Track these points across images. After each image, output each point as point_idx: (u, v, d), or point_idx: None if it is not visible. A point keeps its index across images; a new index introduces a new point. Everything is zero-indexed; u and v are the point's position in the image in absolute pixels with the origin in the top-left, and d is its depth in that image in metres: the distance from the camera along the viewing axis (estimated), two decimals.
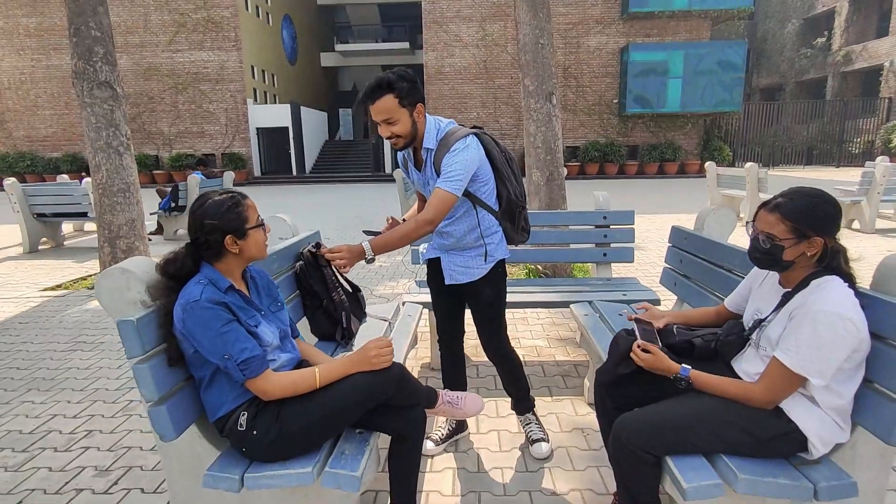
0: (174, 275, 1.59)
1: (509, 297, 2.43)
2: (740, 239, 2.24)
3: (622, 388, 1.80)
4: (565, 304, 3.10)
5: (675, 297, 2.89)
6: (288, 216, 2.76)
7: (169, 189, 8.47)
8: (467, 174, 1.96)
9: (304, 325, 2.40)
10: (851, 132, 22.84)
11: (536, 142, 5.01)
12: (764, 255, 1.55)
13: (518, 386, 2.41)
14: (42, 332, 4.14)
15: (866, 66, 23.78)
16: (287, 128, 22.45)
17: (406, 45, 26.56)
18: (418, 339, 3.42)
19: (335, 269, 2.33)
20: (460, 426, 2.52)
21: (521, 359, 2.41)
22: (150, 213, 7.54)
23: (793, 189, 1.55)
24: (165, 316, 1.54)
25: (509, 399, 2.48)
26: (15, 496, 2.15)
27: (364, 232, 2.11)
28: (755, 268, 1.74)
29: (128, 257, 4.97)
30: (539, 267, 5.15)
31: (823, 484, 1.44)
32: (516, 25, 5.01)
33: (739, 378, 1.63)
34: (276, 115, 22.42)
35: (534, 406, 2.49)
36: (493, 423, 2.64)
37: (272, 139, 22.95)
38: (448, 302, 2.37)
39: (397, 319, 2.80)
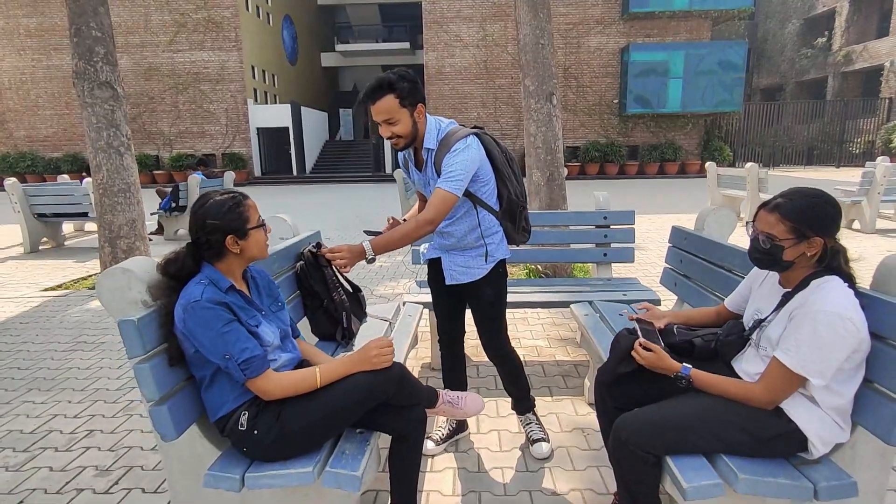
0: (175, 275, 1.59)
1: (510, 297, 2.43)
2: (740, 239, 2.24)
3: (623, 388, 1.80)
4: (566, 304, 3.10)
5: (676, 298, 2.89)
6: (288, 216, 2.76)
7: (168, 189, 8.47)
8: (468, 174, 1.96)
9: (304, 325, 2.40)
10: (852, 132, 22.83)
11: (537, 142, 5.01)
12: (764, 255, 1.55)
13: (518, 386, 2.41)
14: (43, 332, 4.15)
15: (867, 67, 23.77)
16: (287, 128, 22.46)
17: (406, 45, 26.56)
18: (419, 339, 3.42)
19: (336, 269, 2.34)
20: (461, 426, 2.52)
21: (522, 359, 2.41)
22: (151, 214, 7.54)
23: (793, 189, 1.56)
24: (166, 316, 1.55)
25: (510, 399, 2.48)
26: (16, 496, 2.16)
27: (365, 232, 2.11)
28: (755, 268, 1.74)
29: (128, 257, 4.98)
30: (539, 267, 5.15)
31: (823, 484, 1.44)
32: (517, 25, 5.01)
33: (740, 378, 1.63)
34: (277, 115, 22.43)
35: (534, 406, 2.49)
36: (493, 423, 2.64)
37: (272, 139, 22.96)
38: (448, 302, 2.37)
39: (398, 319, 2.80)
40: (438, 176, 1.99)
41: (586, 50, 20.78)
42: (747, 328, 1.70)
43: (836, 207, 1.51)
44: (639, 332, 1.74)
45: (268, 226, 1.74)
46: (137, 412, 2.84)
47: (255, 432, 1.56)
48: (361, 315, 2.51)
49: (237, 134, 21.64)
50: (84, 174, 8.60)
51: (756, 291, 1.75)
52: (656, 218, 9.71)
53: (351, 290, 2.45)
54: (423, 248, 2.47)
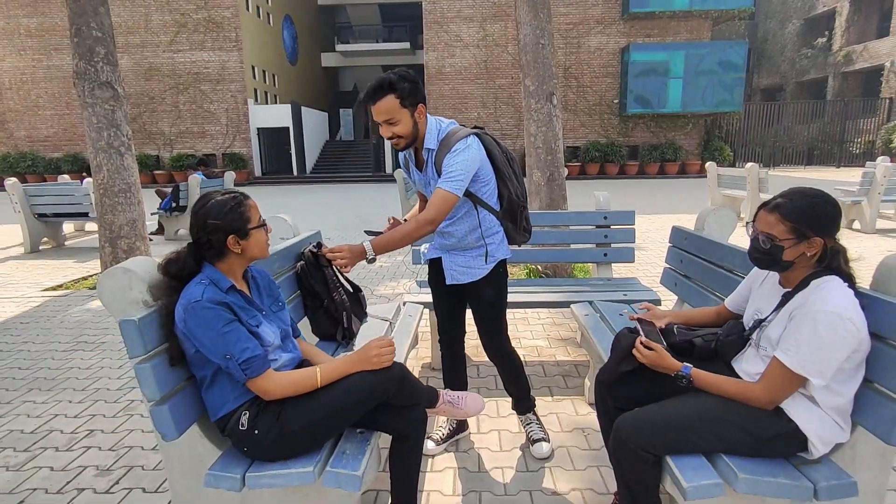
0: (176, 275, 1.59)
1: (510, 297, 2.43)
2: (741, 239, 2.24)
3: (623, 388, 1.80)
4: (566, 304, 3.10)
5: (676, 298, 2.89)
6: (289, 216, 2.76)
7: (167, 190, 8.48)
8: (468, 174, 1.96)
9: (305, 325, 2.40)
10: (852, 132, 22.83)
11: (537, 142, 5.01)
12: (764, 255, 1.56)
13: (519, 386, 2.41)
14: (43, 331, 4.15)
15: (867, 67, 23.77)
16: (288, 128, 22.47)
17: (407, 45, 26.56)
18: (419, 339, 3.42)
19: (336, 269, 2.34)
20: (461, 426, 2.52)
21: (522, 359, 2.41)
22: (151, 214, 7.55)
23: (793, 189, 1.56)
24: (167, 316, 1.55)
25: (510, 399, 2.48)
26: (16, 496, 2.16)
27: (365, 232, 2.11)
28: (755, 268, 1.74)
29: (129, 257, 4.98)
30: (540, 267, 5.15)
31: (823, 484, 1.44)
32: (517, 26, 5.01)
33: (740, 378, 1.63)
34: (277, 115, 22.43)
35: (534, 406, 2.49)
36: (493, 423, 2.65)
37: (273, 139, 22.97)
38: (449, 302, 2.37)
39: (398, 319, 2.80)
40: (439, 176, 1.99)
41: (586, 50, 20.78)
42: (747, 328, 1.70)
43: (836, 207, 1.52)
44: (640, 332, 1.75)
45: (268, 226, 1.74)
46: (138, 412, 2.85)
47: (256, 432, 1.56)
48: (362, 315, 2.51)
49: (237, 134, 21.64)
50: (84, 174, 8.62)
51: (756, 291, 1.75)
52: (656, 218, 9.71)
53: (351, 290, 2.45)
54: (423, 248, 2.47)
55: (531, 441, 2.40)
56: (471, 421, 2.64)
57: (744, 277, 1.93)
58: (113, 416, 2.81)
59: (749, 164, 8.57)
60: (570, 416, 2.71)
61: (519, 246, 2.39)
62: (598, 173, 20.82)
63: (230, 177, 9.28)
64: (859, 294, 1.47)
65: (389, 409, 1.71)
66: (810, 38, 26.99)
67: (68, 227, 9.21)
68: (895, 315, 1.40)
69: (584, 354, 3.42)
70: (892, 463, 1.49)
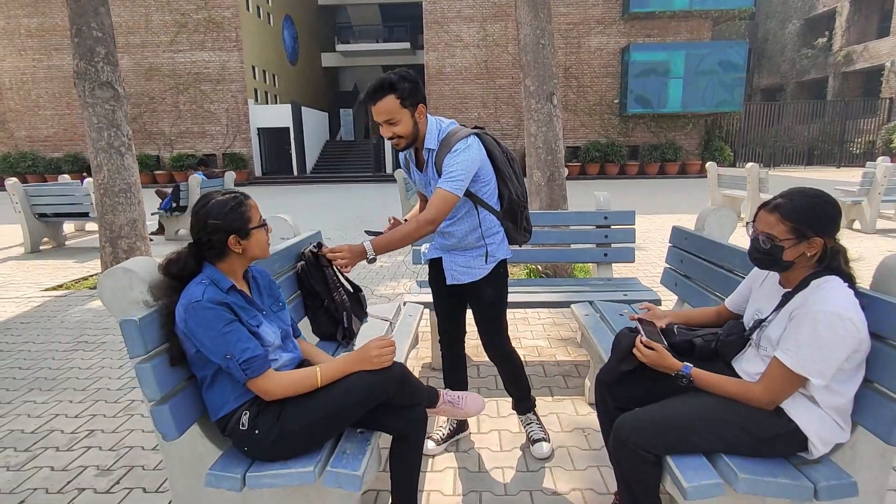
0: (176, 275, 1.59)
1: (510, 297, 2.43)
2: (741, 239, 2.24)
3: (623, 387, 1.80)
4: (566, 304, 3.10)
5: (676, 298, 2.89)
6: (289, 216, 2.76)
7: (167, 190, 8.48)
8: (469, 174, 1.96)
9: (305, 325, 2.41)
10: (852, 132, 22.82)
11: (537, 142, 5.01)
12: (764, 255, 1.56)
13: (519, 386, 2.41)
14: (44, 331, 4.15)
15: (867, 67, 23.76)
16: (288, 128, 22.47)
17: (407, 45, 26.56)
18: (419, 339, 3.42)
19: (336, 269, 2.34)
20: (461, 426, 2.52)
21: (522, 359, 2.41)
22: (152, 214, 7.55)
23: (793, 189, 1.56)
24: (167, 316, 1.55)
25: (510, 399, 2.49)
26: (17, 495, 2.16)
27: (366, 232, 2.11)
28: (756, 268, 1.74)
29: (129, 257, 4.97)
30: (540, 267, 5.15)
31: (823, 483, 1.44)
32: (517, 26, 5.01)
33: (740, 378, 1.63)
34: (277, 115, 22.43)
35: (535, 406, 2.49)
36: (494, 423, 2.65)
37: (273, 139, 22.97)
38: (449, 302, 2.37)
39: (398, 319, 2.80)
40: (439, 176, 1.99)
41: (587, 50, 20.78)
42: (748, 328, 1.70)
43: (836, 208, 1.52)
44: (641, 332, 1.75)
45: (269, 225, 1.74)
46: (138, 412, 2.85)
47: (256, 432, 1.56)
48: (362, 315, 2.51)
49: (238, 134, 21.64)
50: (85, 174, 8.60)
51: (756, 291, 1.75)
52: (657, 218, 9.71)
53: (352, 290, 2.45)
54: (423, 248, 2.47)
55: (531, 441, 2.40)
56: (471, 421, 2.64)
57: (744, 277, 1.93)
58: (113, 416, 2.81)
59: (749, 164, 8.57)
60: (570, 416, 2.71)
61: (520, 246, 2.39)
62: (599, 173, 20.82)
63: (230, 177, 9.28)
64: (859, 294, 1.47)
65: (390, 409, 1.71)
66: (810, 38, 26.99)
67: (69, 227, 9.22)
68: (895, 315, 1.40)
69: (585, 354, 3.42)
70: (892, 463, 1.49)
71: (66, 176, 9.54)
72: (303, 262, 2.38)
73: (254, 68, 22.33)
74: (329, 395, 1.62)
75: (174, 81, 21.14)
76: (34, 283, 5.72)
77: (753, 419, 1.51)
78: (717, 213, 2.66)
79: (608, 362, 1.87)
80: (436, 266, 2.34)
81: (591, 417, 2.68)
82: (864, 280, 1.51)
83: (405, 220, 2.18)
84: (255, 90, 22.58)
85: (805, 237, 1.49)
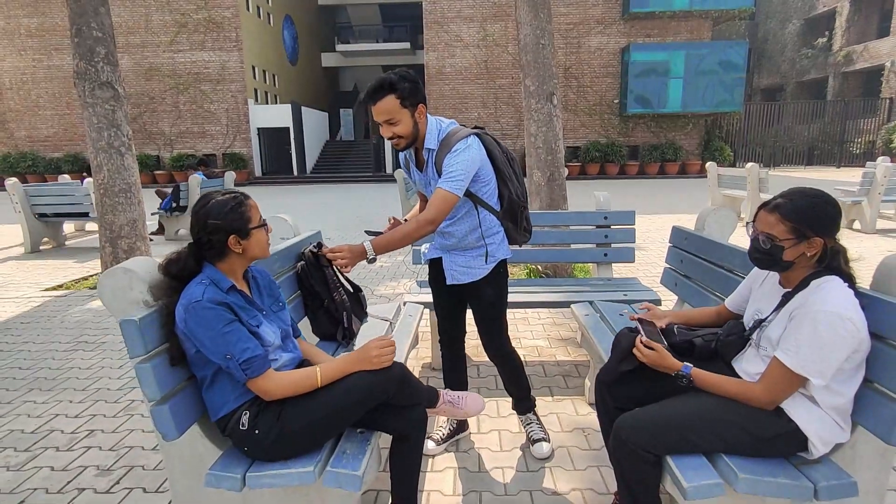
0: (176, 275, 1.59)
1: (510, 297, 2.43)
2: (741, 239, 2.24)
3: (623, 387, 1.80)
4: (566, 304, 3.10)
5: (676, 298, 2.89)
6: (289, 216, 2.76)
7: (167, 191, 8.48)
8: (469, 174, 1.96)
9: (305, 325, 2.41)
10: (852, 132, 22.82)
11: (537, 142, 5.01)
12: (764, 255, 1.56)
13: (519, 386, 2.41)
14: (44, 331, 4.15)
15: (867, 67, 23.76)
16: (288, 128, 22.47)
17: (407, 45, 26.56)
18: (419, 339, 3.42)
19: (336, 269, 2.34)
20: (461, 426, 2.52)
21: (522, 359, 2.41)
22: (152, 214, 7.55)
23: (793, 189, 1.56)
24: (168, 316, 1.55)
25: (510, 399, 2.49)
26: (17, 495, 2.16)
27: (366, 232, 2.12)
28: (756, 268, 1.74)
29: (129, 257, 4.96)
30: (540, 267, 5.15)
31: (823, 483, 1.44)
32: (517, 26, 5.01)
33: (740, 378, 1.63)
34: (277, 115, 22.44)
35: (535, 406, 2.49)
36: (494, 423, 2.65)
37: (273, 139, 22.97)
38: (449, 302, 2.37)
39: (398, 319, 2.80)
40: (439, 176, 1.99)
41: (587, 50, 20.78)
42: (748, 328, 1.70)
43: (836, 208, 1.52)
44: (641, 332, 1.75)
45: (269, 225, 1.75)
46: (138, 412, 2.85)
47: (256, 432, 1.57)
48: (362, 315, 2.51)
49: (238, 134, 21.65)
50: (85, 174, 8.60)
51: (756, 291, 1.75)
52: (657, 218, 9.71)
53: (352, 290, 2.45)
54: (424, 248, 2.47)
55: (531, 441, 2.40)
56: (471, 421, 2.64)
57: (744, 277, 1.94)
58: (113, 416, 2.81)
59: (749, 164, 8.57)
60: (570, 416, 2.71)
61: (520, 246, 2.39)
62: (599, 173, 20.82)
63: (230, 177, 9.29)
64: (859, 294, 1.47)
65: (390, 409, 1.71)
66: (810, 38, 26.99)
67: (69, 227, 9.22)
68: (895, 315, 1.40)
69: (585, 354, 3.42)
70: (893, 463, 1.49)
71: (66, 176, 9.54)
72: (303, 262, 2.38)
73: (254, 68, 22.33)
74: (329, 395, 1.62)
75: (174, 81, 21.14)
76: (34, 283, 5.73)
77: (753, 419, 1.51)
78: (717, 213, 2.66)
79: (608, 362, 1.87)
80: (436, 266, 2.34)
81: (591, 417, 2.68)
82: (864, 280, 1.51)
83: (405, 221, 2.18)
84: (255, 90, 22.58)
85: (805, 237, 1.49)
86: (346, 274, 2.34)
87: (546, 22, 4.88)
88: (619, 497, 1.83)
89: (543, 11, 4.85)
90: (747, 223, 1.65)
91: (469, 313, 2.37)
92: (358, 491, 1.54)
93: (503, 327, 2.32)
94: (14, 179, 7.45)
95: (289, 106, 22.48)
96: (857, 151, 22.66)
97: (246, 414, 1.58)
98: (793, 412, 1.50)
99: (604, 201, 3.83)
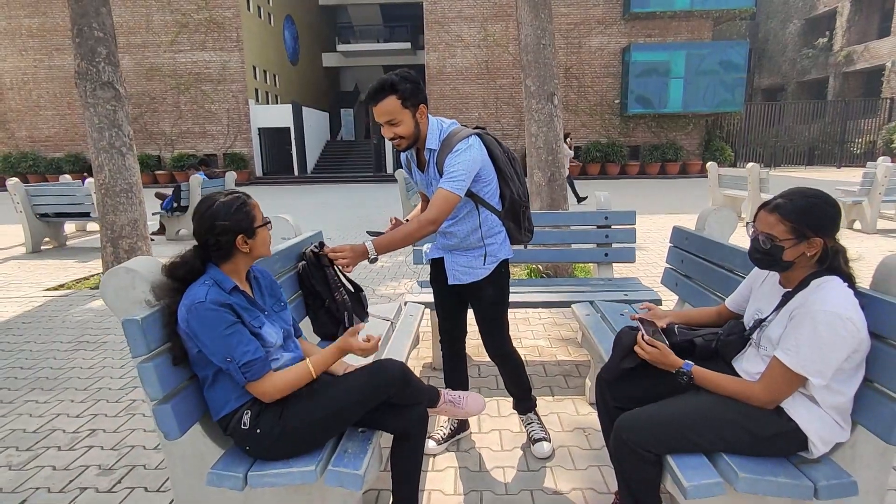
0: (183, 278, 1.60)
1: (511, 297, 2.44)
2: (741, 239, 2.25)
3: (624, 386, 1.80)
4: (567, 304, 3.11)
5: (677, 298, 2.90)
6: (290, 216, 2.77)
7: (166, 192, 8.49)
8: (470, 174, 1.97)
9: (306, 325, 2.41)
10: (853, 132, 22.80)
11: (538, 142, 5.01)
12: (764, 255, 1.56)
13: (520, 386, 2.42)
14: (45, 331, 4.16)
15: (868, 67, 23.75)
16: (289, 128, 22.48)
17: (408, 45, 26.56)
18: (420, 338, 3.42)
19: (338, 269, 2.34)
20: (462, 425, 2.52)
21: (523, 358, 2.41)
22: (153, 214, 7.56)
23: (792, 190, 1.56)
24: (170, 315, 1.55)
25: (511, 398, 2.49)
26: (19, 495, 2.17)
27: (367, 232, 2.12)
28: (756, 268, 1.74)
29: (130, 257, 4.97)
30: (540, 267, 5.16)
31: (824, 483, 1.44)
32: (518, 26, 5.02)
33: (740, 377, 1.64)
34: (278, 115, 22.44)
35: (535, 406, 2.49)
36: (494, 423, 2.65)
37: (274, 139, 22.98)
38: (450, 302, 2.37)
39: (399, 319, 2.81)
40: (441, 176, 2.00)
41: (587, 50, 20.77)
42: (748, 328, 1.70)
43: (836, 208, 1.52)
44: (642, 330, 1.75)
45: (270, 224, 1.75)
46: (140, 411, 2.86)
47: (258, 431, 1.57)
48: (363, 315, 2.51)
49: (238, 134, 21.65)
50: (86, 174, 8.63)
51: (756, 291, 1.76)
52: (657, 218, 9.71)
53: (353, 290, 2.46)
54: (425, 248, 2.47)
55: (532, 440, 2.40)
56: (472, 420, 2.64)
57: (744, 277, 1.94)
58: (115, 415, 2.82)
59: (750, 165, 8.57)
60: (570, 415, 2.72)
61: (524, 247, 2.39)
62: (599, 173, 20.81)
63: (231, 177, 9.29)
64: (859, 294, 1.47)
65: (391, 409, 1.71)
66: (811, 38, 26.97)
67: (70, 227, 9.22)
68: (895, 315, 1.40)
69: (585, 354, 3.43)
70: (892, 462, 1.49)
71: (67, 176, 9.56)
72: (304, 262, 2.39)
73: (254, 68, 22.34)
74: (330, 394, 1.63)
75: (175, 81, 21.15)
76: (35, 282, 5.73)
77: (753, 418, 1.51)
78: (718, 213, 2.67)
79: (609, 360, 1.87)
80: (437, 266, 2.34)
81: (591, 417, 2.68)
82: (864, 280, 1.52)
83: (407, 221, 2.19)
84: (256, 90, 22.59)
85: (805, 237, 1.49)
86: (347, 274, 2.34)
87: (547, 22, 4.88)
88: (619, 496, 1.84)
89: (544, 11, 4.85)
90: (747, 223, 1.65)
91: (470, 313, 2.38)
92: (359, 490, 1.54)
93: (504, 327, 2.32)
94: (15, 179, 7.46)
95: (289, 106, 22.49)
96: (858, 151, 22.64)
97: (247, 413, 1.59)
98: (793, 411, 1.50)
99: (604, 201, 3.83)
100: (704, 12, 19.99)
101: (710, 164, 9.80)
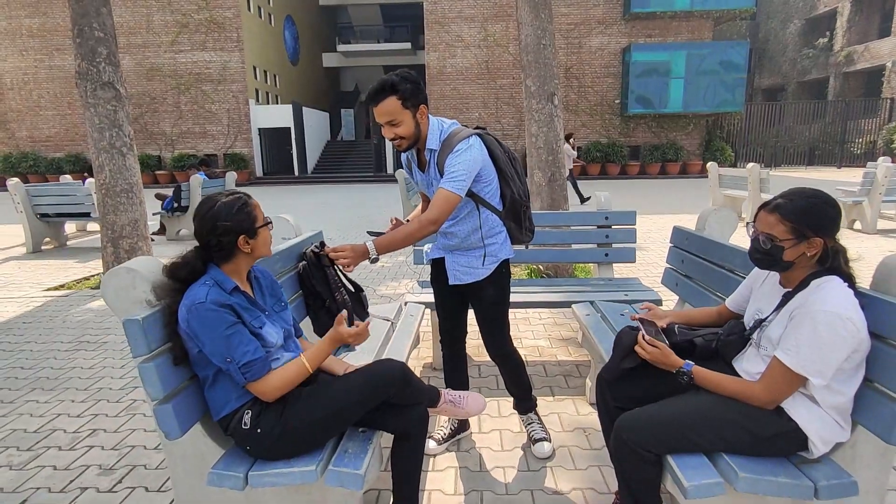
0: (184, 279, 1.60)
1: (511, 297, 2.44)
2: (741, 239, 2.25)
3: (624, 386, 1.80)
4: (567, 304, 3.11)
5: (677, 298, 2.90)
6: (291, 216, 2.77)
7: (166, 193, 8.50)
8: (470, 174, 1.97)
9: (306, 325, 2.41)
10: (853, 133, 22.80)
11: (538, 142, 5.02)
12: (764, 255, 1.56)
13: (520, 386, 2.42)
14: (46, 331, 4.16)
15: (868, 67, 23.75)
16: (289, 128, 22.49)
17: (408, 45, 26.57)
18: (421, 338, 3.42)
19: (338, 269, 2.34)
20: (462, 425, 2.52)
21: (523, 358, 2.41)
22: (153, 214, 7.56)
23: (793, 190, 1.56)
24: (171, 315, 1.55)
25: (511, 398, 2.49)
26: (20, 494, 2.17)
27: (368, 232, 2.12)
28: (756, 268, 1.74)
29: (131, 257, 4.98)
30: (541, 267, 5.16)
31: (824, 483, 1.44)
32: (518, 26, 5.02)
33: (740, 377, 1.64)
34: (278, 115, 22.46)
35: (536, 406, 2.49)
36: (495, 423, 2.65)
37: (274, 139, 22.99)
38: (451, 302, 2.38)
39: (400, 319, 2.81)
40: (441, 176, 2.00)
41: (588, 50, 20.78)
42: (748, 328, 1.71)
43: (836, 208, 1.52)
44: (643, 330, 1.75)
45: (271, 223, 1.76)
46: (140, 411, 2.86)
47: (259, 431, 1.57)
48: (363, 315, 2.51)
49: (239, 134, 21.66)
50: (86, 174, 8.64)
51: (757, 291, 1.76)
52: (658, 218, 9.71)
53: (353, 290, 2.45)
54: (426, 248, 2.48)
55: (532, 440, 2.41)
56: (472, 420, 2.64)
57: (744, 277, 1.94)
58: (115, 415, 2.82)
59: (750, 165, 8.57)
60: (571, 415, 2.72)
61: (525, 247, 2.39)
62: (600, 173, 20.82)
63: (231, 177, 9.30)
64: (859, 294, 1.47)
65: (391, 409, 1.72)
66: (812, 38, 26.98)
67: (70, 227, 9.23)
68: (895, 315, 1.40)
69: (585, 354, 3.43)
70: (893, 462, 1.49)
71: (68, 176, 9.56)
72: (304, 262, 2.39)
73: (255, 68, 22.35)
74: (330, 394, 1.63)
75: (175, 82, 21.17)
76: (36, 283, 5.74)
77: (754, 418, 1.51)
78: (718, 213, 2.67)
79: (610, 360, 1.87)
80: (438, 266, 2.34)
81: (591, 417, 2.69)
82: (864, 280, 1.52)
83: (407, 221, 2.19)
84: (257, 90, 22.61)
85: (805, 237, 1.49)
86: (347, 274, 2.34)
87: (547, 22, 4.88)
88: (619, 496, 1.84)
89: (544, 12, 4.85)
90: (748, 223, 1.65)
91: (470, 313, 2.38)
92: (360, 490, 1.54)
93: (505, 327, 2.32)
94: (16, 179, 7.47)
95: (290, 106, 22.51)
96: (858, 152, 22.64)
97: (248, 413, 1.59)
98: (793, 411, 1.50)
99: (605, 201, 3.83)
100: (705, 12, 20.00)
101: (711, 165, 9.80)
